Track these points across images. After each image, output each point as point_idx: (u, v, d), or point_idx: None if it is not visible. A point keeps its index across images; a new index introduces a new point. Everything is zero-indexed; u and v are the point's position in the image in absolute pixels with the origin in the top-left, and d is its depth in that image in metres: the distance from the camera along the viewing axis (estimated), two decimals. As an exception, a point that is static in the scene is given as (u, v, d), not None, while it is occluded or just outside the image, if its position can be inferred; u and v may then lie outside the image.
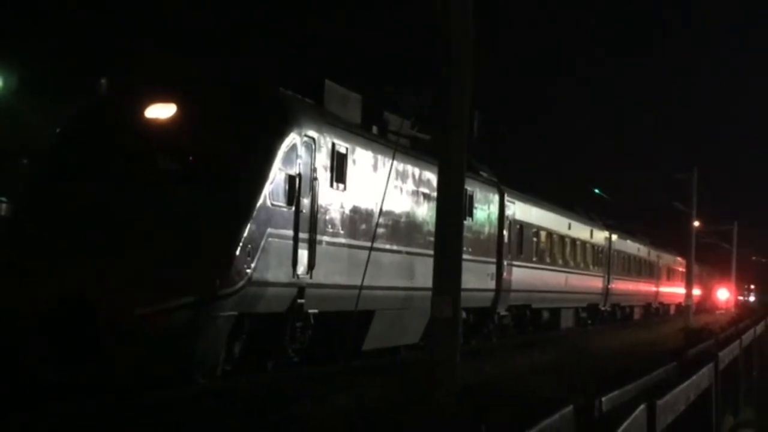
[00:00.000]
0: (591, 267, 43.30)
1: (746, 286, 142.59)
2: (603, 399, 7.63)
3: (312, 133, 18.05)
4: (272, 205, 16.65)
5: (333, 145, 18.87)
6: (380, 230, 20.16)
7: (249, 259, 15.88)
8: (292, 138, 17.35)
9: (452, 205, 14.30)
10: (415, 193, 22.72)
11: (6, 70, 40.59)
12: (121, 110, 17.60)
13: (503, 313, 30.50)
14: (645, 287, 59.35)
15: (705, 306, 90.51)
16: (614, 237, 48.69)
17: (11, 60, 41.05)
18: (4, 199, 30.70)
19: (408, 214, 22.32)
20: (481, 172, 29.05)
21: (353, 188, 19.63)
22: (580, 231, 41.37)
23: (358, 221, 19.81)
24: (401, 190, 22.03)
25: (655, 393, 8.21)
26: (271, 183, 16.66)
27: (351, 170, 19.56)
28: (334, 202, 18.88)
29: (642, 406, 7.34)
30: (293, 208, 17.27)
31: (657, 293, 64.24)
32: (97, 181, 16.40)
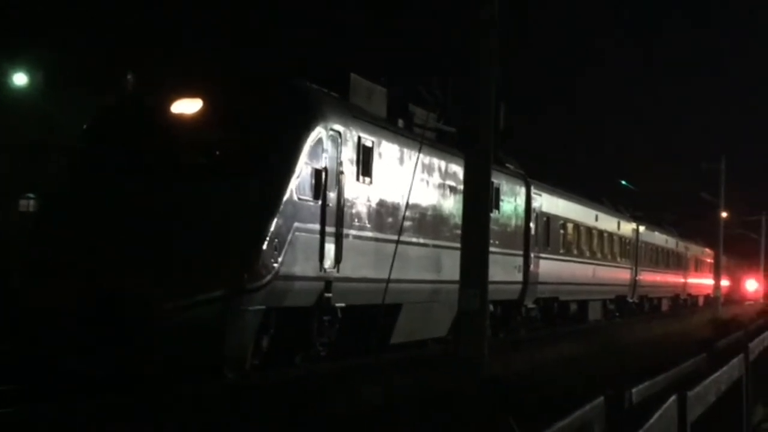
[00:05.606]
0: (618, 259, 43.16)
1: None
2: (633, 390, 7.58)
3: (338, 126, 18.03)
4: (299, 199, 16.65)
5: (359, 138, 18.85)
6: (407, 223, 20.13)
7: (276, 253, 15.89)
8: (318, 132, 17.34)
9: (479, 198, 14.28)
10: (442, 186, 22.68)
11: (31, 66, 40.81)
12: (147, 106, 17.64)
13: (531, 305, 30.44)
14: (673, 279, 59.11)
15: (733, 297, 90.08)
16: (642, 228, 48.52)
17: (36, 56, 41.26)
18: (32, 195, 30.89)
19: (434, 207, 22.28)
20: (508, 165, 28.98)
21: (379, 182, 19.61)
22: (607, 223, 41.23)
23: (384, 215, 19.79)
24: (427, 183, 21.98)
25: (686, 384, 8.16)
26: (298, 177, 16.65)
27: (377, 164, 19.54)
28: (360, 195, 18.86)
29: (673, 398, 7.29)
30: (320, 202, 17.26)
31: (685, 285, 63.98)
32: (123, 176, 16.45)
